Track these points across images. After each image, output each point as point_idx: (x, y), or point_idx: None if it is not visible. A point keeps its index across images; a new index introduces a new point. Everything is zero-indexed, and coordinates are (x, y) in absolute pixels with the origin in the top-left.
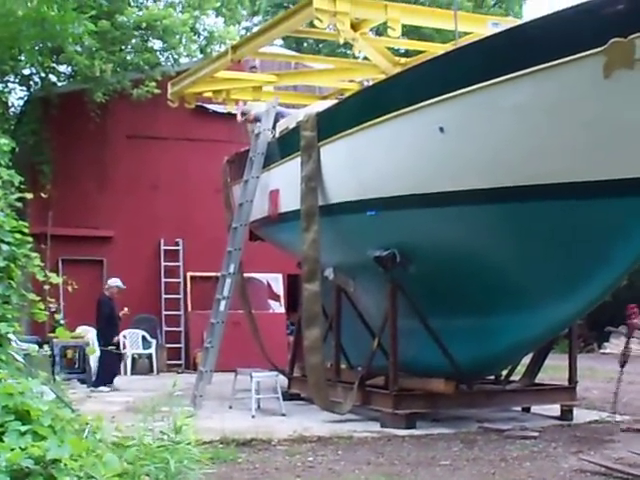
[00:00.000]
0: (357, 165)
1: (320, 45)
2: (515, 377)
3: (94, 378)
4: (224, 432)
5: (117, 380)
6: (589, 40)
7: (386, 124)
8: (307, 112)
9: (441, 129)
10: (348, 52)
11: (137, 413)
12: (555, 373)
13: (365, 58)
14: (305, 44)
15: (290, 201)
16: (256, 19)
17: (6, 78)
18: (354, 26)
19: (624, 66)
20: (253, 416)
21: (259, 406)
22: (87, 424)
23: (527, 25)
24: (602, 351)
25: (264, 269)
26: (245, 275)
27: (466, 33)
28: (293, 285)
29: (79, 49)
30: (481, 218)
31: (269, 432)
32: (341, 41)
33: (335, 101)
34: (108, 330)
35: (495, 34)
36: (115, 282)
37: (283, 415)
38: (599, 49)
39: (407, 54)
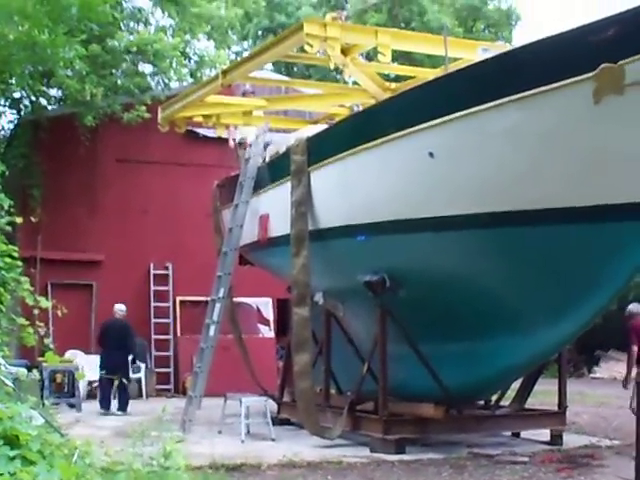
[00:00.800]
0: (347, 190)
1: (310, 70)
2: (505, 402)
3: (117, 401)
4: (213, 457)
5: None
6: (579, 66)
7: (376, 149)
8: (297, 137)
9: (431, 154)
10: (338, 77)
11: (126, 438)
12: (545, 398)
13: (355, 83)
14: (295, 69)
15: (280, 226)
16: (246, 43)
17: None
18: (344, 51)
19: (614, 92)
20: (243, 441)
21: (249, 431)
22: (76, 449)
23: (517, 51)
24: (592, 375)
25: (254, 293)
26: (235, 299)
27: (456, 58)
28: (283, 309)
29: (70, 73)
30: (471, 243)
31: (259, 457)
32: (331, 66)
33: (325, 126)
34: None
35: (485, 60)
36: (123, 307)
37: (273, 440)
38: (589, 75)
39: (397, 79)
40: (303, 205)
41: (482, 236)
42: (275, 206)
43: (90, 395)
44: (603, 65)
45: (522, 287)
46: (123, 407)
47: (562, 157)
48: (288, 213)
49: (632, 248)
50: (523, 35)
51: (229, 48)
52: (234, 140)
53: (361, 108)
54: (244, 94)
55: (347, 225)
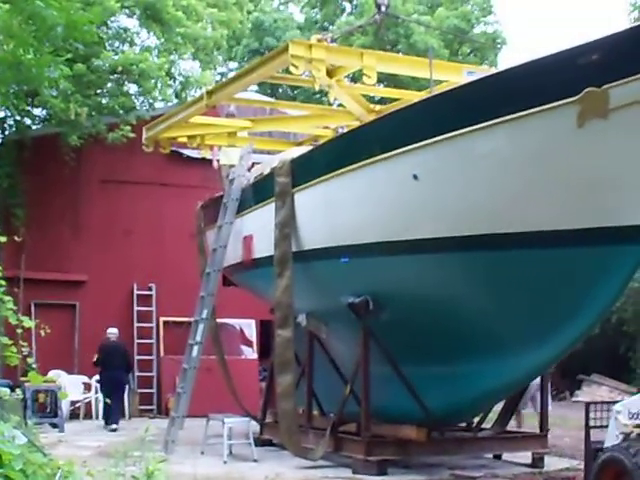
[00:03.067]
0: (331, 212)
1: (295, 91)
2: (487, 424)
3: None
4: (196, 478)
5: None
6: (564, 89)
7: (360, 171)
8: (281, 158)
9: (415, 177)
10: (323, 99)
11: (109, 458)
12: (526, 420)
13: (340, 105)
14: (280, 90)
15: (264, 247)
16: (232, 64)
17: None
18: (330, 73)
19: (598, 116)
20: (225, 462)
21: (231, 452)
22: (59, 469)
23: (501, 74)
24: (574, 399)
25: (237, 314)
26: (218, 320)
27: (442, 81)
28: (266, 331)
29: (54, 92)
30: (454, 266)
31: (241, 478)
32: (317, 87)
33: (310, 147)
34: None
35: (469, 82)
36: (115, 330)
37: (255, 461)
38: (574, 98)
39: (381, 101)
40: (287, 226)
41: (465, 259)
42: (259, 227)
43: (73, 415)
44: (588, 89)
45: (504, 310)
46: (115, 420)
47: (546, 180)
48: (272, 234)
49: (615, 272)
50: (508, 59)
51: (215, 69)
52: (217, 161)
53: (345, 130)
54: (227, 115)
55: (331, 247)
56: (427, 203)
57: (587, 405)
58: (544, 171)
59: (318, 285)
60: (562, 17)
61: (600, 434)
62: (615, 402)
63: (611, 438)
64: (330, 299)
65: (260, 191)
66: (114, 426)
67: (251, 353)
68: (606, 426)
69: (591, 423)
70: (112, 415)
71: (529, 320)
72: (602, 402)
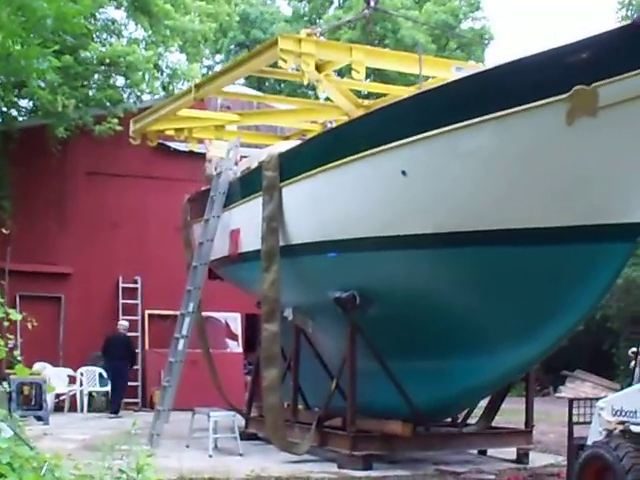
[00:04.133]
0: (319, 206)
1: (281, 85)
2: (472, 420)
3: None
4: (182, 471)
5: None
6: (553, 87)
7: (349, 166)
8: (269, 152)
9: (403, 172)
10: (309, 92)
11: (94, 451)
12: (510, 416)
13: (327, 99)
14: (267, 83)
15: (251, 241)
16: (218, 57)
17: None
18: (318, 67)
19: (587, 114)
20: (210, 455)
21: (216, 445)
22: (45, 462)
23: (491, 70)
24: (557, 395)
25: (222, 308)
26: (203, 314)
27: (430, 77)
28: (251, 325)
29: (42, 84)
30: (441, 262)
31: (227, 472)
32: (305, 82)
33: (298, 142)
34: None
35: (459, 79)
36: (126, 323)
37: (240, 455)
38: (563, 96)
39: (368, 96)
40: (274, 221)
41: (453, 255)
42: (246, 221)
43: (57, 408)
44: (577, 87)
45: (491, 307)
46: (116, 409)
47: (534, 177)
48: (259, 228)
49: (602, 270)
50: (495, 55)
51: (201, 61)
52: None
53: (334, 125)
54: (221, 108)
55: (318, 241)
56: (415, 199)
57: (570, 401)
58: (533, 168)
59: (305, 279)
60: (549, 11)
61: (584, 430)
62: (598, 398)
63: (594, 434)
64: (317, 294)
65: (247, 185)
66: (112, 415)
67: (236, 347)
68: (589, 422)
69: (575, 419)
70: (112, 403)
71: (515, 317)
72: (585, 398)
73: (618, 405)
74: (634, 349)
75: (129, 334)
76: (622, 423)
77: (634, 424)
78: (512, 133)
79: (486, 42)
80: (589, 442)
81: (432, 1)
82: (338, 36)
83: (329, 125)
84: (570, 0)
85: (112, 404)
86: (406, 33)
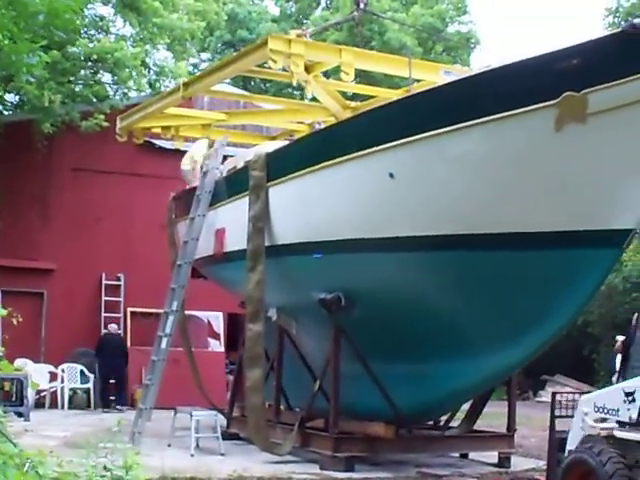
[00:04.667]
0: (305, 207)
1: (267, 84)
2: (454, 423)
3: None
4: (164, 470)
5: None
6: (542, 93)
7: (336, 168)
8: (257, 152)
9: (391, 175)
10: (295, 93)
11: (75, 448)
12: (492, 420)
13: (314, 99)
14: (252, 83)
15: (236, 240)
16: (205, 55)
17: None
18: (307, 68)
19: (576, 120)
20: (192, 455)
21: (198, 445)
22: (28, 459)
23: (481, 75)
24: (537, 399)
25: (205, 307)
26: (186, 312)
27: (418, 80)
28: (233, 324)
29: (31, 79)
30: (426, 265)
31: (209, 471)
32: (294, 83)
33: (285, 142)
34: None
35: (448, 83)
36: (115, 326)
37: (222, 455)
38: (552, 102)
39: (353, 97)
40: (261, 221)
41: (438, 258)
42: (232, 220)
43: (38, 404)
44: (567, 93)
45: (475, 310)
46: (124, 402)
47: (522, 182)
48: (245, 228)
49: (587, 276)
50: (481, 59)
51: (187, 59)
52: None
53: (323, 126)
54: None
55: (304, 242)
56: (402, 202)
57: (553, 395)
58: (520, 173)
59: (290, 280)
60: (536, 16)
61: (565, 424)
62: (583, 393)
63: (576, 430)
64: (302, 294)
65: (234, 184)
66: (120, 407)
67: (218, 346)
68: (571, 416)
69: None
70: (118, 398)
71: (500, 321)
72: (568, 392)
73: (600, 402)
74: (620, 338)
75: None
76: (605, 429)
77: (618, 425)
78: (500, 138)
79: (472, 46)
80: (570, 437)
81: (419, 4)
82: (325, 37)
83: (317, 126)
84: (557, 5)
85: (118, 399)
86: (393, 36)
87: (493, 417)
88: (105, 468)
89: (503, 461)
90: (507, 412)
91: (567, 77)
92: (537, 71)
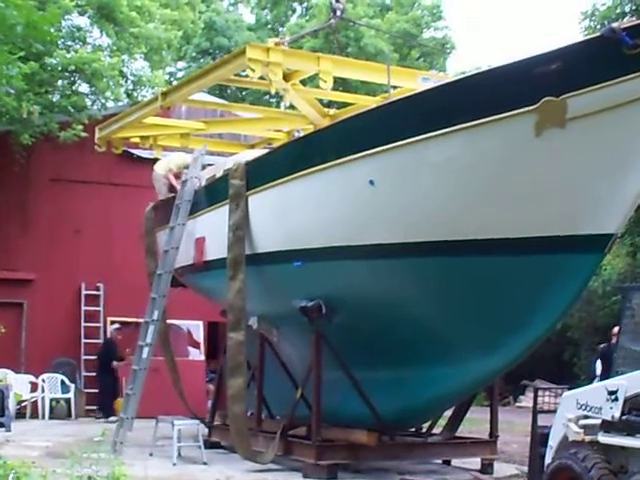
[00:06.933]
0: (285, 215)
1: (244, 93)
2: (437, 429)
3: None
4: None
5: None
6: (522, 98)
7: (316, 175)
8: (236, 160)
9: (371, 182)
10: (272, 101)
11: (57, 458)
12: (472, 426)
13: (291, 107)
14: (229, 91)
15: (216, 249)
16: (181, 64)
17: None
18: (286, 76)
19: (556, 125)
20: (174, 464)
21: (180, 454)
22: (12, 470)
23: (459, 81)
24: (518, 404)
25: (184, 316)
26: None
27: (395, 87)
28: (213, 333)
29: (10, 90)
30: (406, 272)
31: None
32: (272, 91)
33: (264, 150)
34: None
35: (428, 89)
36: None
37: (205, 464)
38: (531, 107)
39: (329, 105)
40: (241, 229)
41: (421, 265)
42: (211, 229)
43: (19, 414)
44: (546, 98)
45: (457, 317)
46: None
47: (502, 188)
48: (225, 237)
49: (569, 282)
50: (457, 64)
51: (164, 69)
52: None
53: (302, 134)
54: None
55: (284, 250)
56: (383, 209)
57: (536, 390)
58: (500, 179)
59: (271, 288)
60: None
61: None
62: (565, 388)
63: (558, 425)
64: (282, 302)
65: (213, 193)
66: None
67: (198, 355)
68: (554, 411)
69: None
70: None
71: (482, 327)
72: (550, 388)
73: (583, 400)
74: (616, 329)
75: (94, 341)
76: (590, 434)
77: (600, 423)
78: (480, 144)
79: (448, 51)
80: (552, 433)
81: (394, 10)
82: (301, 44)
83: (297, 134)
84: (532, 9)
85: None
86: (369, 42)
87: (474, 423)
88: (89, 478)
89: (486, 467)
90: (489, 418)
91: (546, 82)
92: (516, 76)
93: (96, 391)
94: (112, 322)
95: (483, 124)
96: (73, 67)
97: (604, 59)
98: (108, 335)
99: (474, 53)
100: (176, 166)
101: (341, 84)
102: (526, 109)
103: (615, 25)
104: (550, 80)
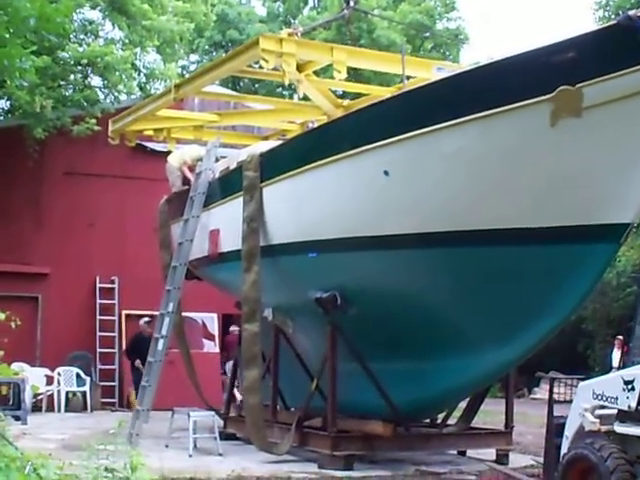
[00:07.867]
0: (300, 206)
1: (257, 85)
2: (452, 420)
3: None
4: (162, 471)
5: None
6: (537, 87)
7: (330, 166)
8: (250, 152)
9: (386, 172)
10: (285, 92)
11: (73, 451)
12: (487, 417)
13: (304, 99)
14: (242, 84)
15: (231, 241)
16: (193, 57)
17: None
18: (299, 67)
19: (572, 114)
20: (190, 455)
21: (195, 445)
22: (29, 462)
23: (474, 71)
24: (532, 396)
25: (199, 308)
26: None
27: (410, 77)
28: (228, 325)
29: (24, 84)
30: (423, 262)
31: (207, 472)
32: (286, 82)
33: (278, 142)
34: None
35: (442, 79)
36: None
37: (220, 455)
38: (547, 97)
39: (343, 96)
40: (255, 221)
41: (435, 256)
42: (226, 221)
43: (35, 408)
44: (562, 87)
45: (472, 308)
46: None
47: (517, 178)
48: (239, 228)
49: (585, 271)
50: (470, 55)
51: (177, 62)
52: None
53: (316, 125)
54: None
55: (299, 241)
56: (398, 199)
57: (552, 380)
58: (516, 169)
59: (285, 280)
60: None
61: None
62: (581, 378)
63: (574, 415)
64: (297, 294)
65: (227, 185)
66: None
67: (213, 347)
68: (569, 401)
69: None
70: None
71: (497, 318)
72: (566, 377)
73: (599, 390)
74: None
75: (109, 334)
76: (606, 424)
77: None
78: (495, 134)
79: (461, 42)
80: (568, 423)
81: (407, 1)
82: (313, 36)
83: (310, 125)
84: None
85: None
86: (382, 33)
87: (488, 414)
88: (107, 469)
89: (501, 458)
90: (504, 409)
91: (562, 71)
92: (532, 65)
93: (112, 384)
94: (141, 316)
95: (498, 114)
96: (86, 61)
97: (620, 47)
98: (140, 329)
99: (487, 44)
100: (190, 158)
101: (353, 75)
102: (541, 98)
103: (632, 13)
104: (566, 69)
